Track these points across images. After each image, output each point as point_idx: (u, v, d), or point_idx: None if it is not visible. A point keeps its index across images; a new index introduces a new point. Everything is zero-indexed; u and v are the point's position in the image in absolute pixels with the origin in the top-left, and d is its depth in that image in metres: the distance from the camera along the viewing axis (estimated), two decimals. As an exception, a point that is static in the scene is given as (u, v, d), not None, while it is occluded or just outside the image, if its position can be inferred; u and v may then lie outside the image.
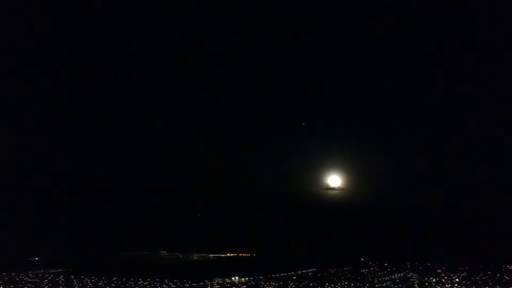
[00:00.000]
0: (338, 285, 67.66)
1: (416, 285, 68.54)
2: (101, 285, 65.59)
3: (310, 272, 73.76)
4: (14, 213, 74.31)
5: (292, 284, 68.24)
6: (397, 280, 70.37)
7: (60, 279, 67.41)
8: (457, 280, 68.32)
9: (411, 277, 71.32)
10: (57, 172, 79.74)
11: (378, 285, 69.07)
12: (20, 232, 72.81)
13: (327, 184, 79.42)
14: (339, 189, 79.18)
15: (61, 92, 78.87)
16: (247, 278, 70.00)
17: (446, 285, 67.31)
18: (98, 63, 79.28)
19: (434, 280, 69.25)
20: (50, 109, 79.83)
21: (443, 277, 69.82)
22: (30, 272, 69.00)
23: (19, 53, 74.13)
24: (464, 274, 70.19)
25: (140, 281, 66.86)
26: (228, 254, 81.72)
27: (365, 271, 74.45)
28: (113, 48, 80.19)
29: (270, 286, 67.83)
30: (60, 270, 70.66)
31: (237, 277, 69.89)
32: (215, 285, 67.82)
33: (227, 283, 68.63)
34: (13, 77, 74.21)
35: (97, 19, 76.18)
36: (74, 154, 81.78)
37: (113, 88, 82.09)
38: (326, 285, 67.41)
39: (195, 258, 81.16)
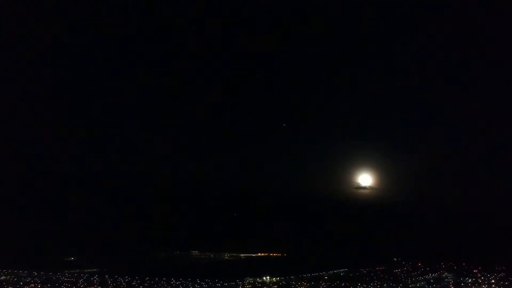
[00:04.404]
0: (371, 285, 66.87)
1: (451, 285, 66.90)
2: (134, 284, 66.73)
3: (342, 272, 72.88)
4: (51, 213, 76.86)
5: (324, 284, 67.69)
6: (431, 280, 68.81)
7: (94, 278, 69.01)
8: (493, 281, 66.52)
9: (446, 277, 69.61)
10: (95, 174, 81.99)
11: (412, 285, 67.81)
12: (57, 233, 75.13)
13: (358, 183, 79.01)
14: (371, 188, 78.63)
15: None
16: (278, 278, 69.87)
17: (483, 286, 65.33)
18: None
19: (470, 281, 67.32)
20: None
21: (480, 277, 67.88)
22: (66, 271, 70.72)
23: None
24: (502, 274, 68.10)
25: (172, 280, 67.61)
26: (259, 254, 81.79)
27: (398, 271, 73.18)
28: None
29: (302, 286, 67.56)
30: (95, 270, 72.08)
31: (268, 277, 69.87)
32: (246, 285, 67.97)
33: (258, 282, 68.70)
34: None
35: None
36: (108, 157, 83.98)
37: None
38: (359, 285, 66.67)
39: (227, 258, 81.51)
